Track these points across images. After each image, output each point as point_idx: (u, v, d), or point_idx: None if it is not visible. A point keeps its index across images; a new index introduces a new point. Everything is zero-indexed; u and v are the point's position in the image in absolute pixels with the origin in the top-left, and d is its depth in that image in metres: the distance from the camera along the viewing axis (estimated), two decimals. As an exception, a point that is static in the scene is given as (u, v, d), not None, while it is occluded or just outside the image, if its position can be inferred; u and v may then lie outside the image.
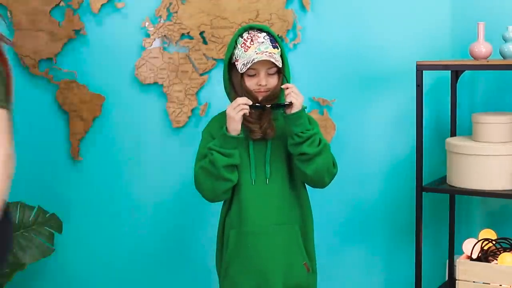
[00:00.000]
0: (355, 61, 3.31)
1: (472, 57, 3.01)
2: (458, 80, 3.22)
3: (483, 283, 2.91)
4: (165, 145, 3.35)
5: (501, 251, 3.02)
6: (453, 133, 3.22)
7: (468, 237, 3.18)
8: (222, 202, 2.63)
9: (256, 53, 2.45)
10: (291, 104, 2.44)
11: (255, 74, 2.49)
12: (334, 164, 2.54)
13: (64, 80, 3.30)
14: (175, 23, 3.25)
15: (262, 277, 2.53)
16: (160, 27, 3.25)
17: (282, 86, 2.48)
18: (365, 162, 3.36)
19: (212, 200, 2.56)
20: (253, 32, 2.51)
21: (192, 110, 3.31)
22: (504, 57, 2.98)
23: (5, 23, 3.18)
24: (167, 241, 3.41)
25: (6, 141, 2.04)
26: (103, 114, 3.33)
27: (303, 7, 3.28)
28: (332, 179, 2.56)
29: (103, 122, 3.33)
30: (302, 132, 2.44)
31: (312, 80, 3.30)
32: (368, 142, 3.36)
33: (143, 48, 3.28)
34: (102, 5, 3.26)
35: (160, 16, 3.25)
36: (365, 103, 3.34)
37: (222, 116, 2.52)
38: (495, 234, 3.11)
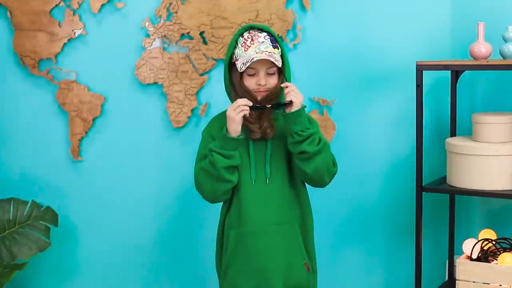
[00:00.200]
0: (355, 61, 3.31)
1: (472, 57, 3.01)
2: (458, 80, 3.22)
3: (483, 283, 2.91)
4: (165, 145, 3.35)
5: (501, 251, 3.02)
6: (453, 133, 3.22)
7: (468, 237, 3.18)
8: (222, 202, 2.64)
9: (256, 52, 2.45)
10: (291, 103, 2.44)
11: (255, 74, 2.49)
12: (334, 164, 2.54)
13: (64, 80, 3.30)
14: (175, 23, 3.25)
15: (262, 277, 2.53)
16: (160, 27, 3.25)
17: (282, 85, 2.48)
18: (365, 162, 3.36)
19: (212, 201, 2.56)
20: (253, 32, 2.51)
21: (192, 110, 3.31)
22: (504, 57, 2.98)
23: None
24: (167, 241, 3.41)
25: None
26: (103, 114, 3.33)
27: (303, 7, 3.28)
28: (332, 178, 2.56)
29: (103, 122, 3.33)
30: (302, 131, 2.44)
31: (312, 80, 3.30)
32: (368, 142, 3.36)
33: (143, 48, 3.28)
34: (102, 5, 3.26)
35: (160, 16, 3.25)
36: (365, 103, 3.34)
37: (222, 116, 2.52)
38: (495, 234, 3.11)
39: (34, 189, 3.36)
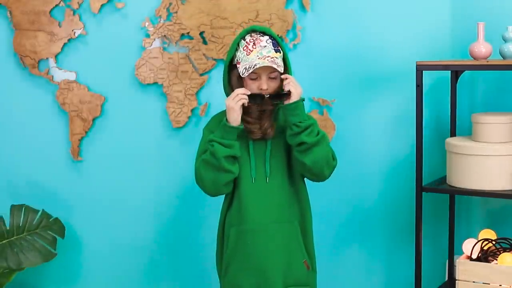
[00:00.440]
0: (355, 61, 3.31)
1: (472, 57, 3.01)
2: (458, 80, 3.21)
3: (483, 283, 2.91)
4: (165, 145, 3.35)
5: (501, 251, 3.02)
6: (453, 133, 3.22)
7: (468, 237, 3.18)
8: (223, 201, 2.64)
9: (258, 58, 2.46)
10: (289, 94, 2.46)
11: (257, 78, 2.51)
12: (334, 157, 2.56)
13: (64, 80, 3.30)
14: (175, 23, 3.25)
15: (262, 275, 2.54)
16: (160, 27, 3.25)
17: (282, 76, 2.50)
18: (365, 162, 3.36)
19: (213, 193, 2.56)
20: (255, 35, 2.52)
21: (192, 110, 3.31)
22: (504, 57, 2.98)
23: None
24: (167, 240, 3.41)
25: None
26: (103, 114, 3.33)
27: (303, 7, 3.28)
28: (332, 171, 2.57)
29: (103, 122, 3.33)
30: (300, 122, 2.47)
31: (312, 80, 3.30)
32: (368, 142, 3.36)
33: (143, 48, 3.28)
34: (102, 5, 3.26)
35: (160, 16, 3.25)
36: (365, 103, 3.34)
37: (223, 114, 2.54)
38: (495, 234, 3.11)
39: (34, 189, 3.36)
